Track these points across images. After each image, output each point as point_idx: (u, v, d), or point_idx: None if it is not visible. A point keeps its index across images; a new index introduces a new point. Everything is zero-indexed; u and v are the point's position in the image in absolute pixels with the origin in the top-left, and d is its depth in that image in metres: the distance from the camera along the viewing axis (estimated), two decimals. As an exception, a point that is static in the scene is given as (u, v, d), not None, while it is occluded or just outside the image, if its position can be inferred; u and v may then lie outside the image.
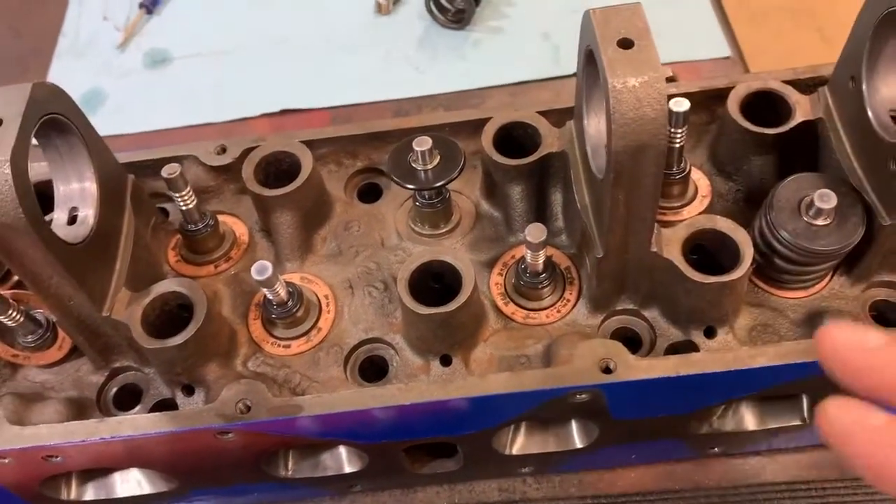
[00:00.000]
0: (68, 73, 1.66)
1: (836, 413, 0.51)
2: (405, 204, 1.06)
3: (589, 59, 0.81)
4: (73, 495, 1.03)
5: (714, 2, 1.60)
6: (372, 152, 1.11)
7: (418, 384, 0.87)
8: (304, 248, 1.03)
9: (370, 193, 1.12)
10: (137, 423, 0.86)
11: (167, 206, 1.11)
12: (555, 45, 1.57)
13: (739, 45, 1.54)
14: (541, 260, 0.89)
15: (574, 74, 1.50)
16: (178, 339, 0.86)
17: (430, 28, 1.63)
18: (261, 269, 0.87)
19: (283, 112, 1.53)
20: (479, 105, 1.49)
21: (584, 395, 0.85)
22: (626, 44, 0.73)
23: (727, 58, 1.51)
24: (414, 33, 1.63)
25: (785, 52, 1.50)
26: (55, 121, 0.83)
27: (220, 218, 1.05)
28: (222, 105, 1.56)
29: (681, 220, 0.92)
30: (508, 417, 0.91)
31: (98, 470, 1.03)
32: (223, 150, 1.08)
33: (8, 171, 0.73)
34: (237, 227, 1.07)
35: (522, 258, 0.92)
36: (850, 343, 0.52)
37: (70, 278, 0.83)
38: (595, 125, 0.87)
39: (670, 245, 0.86)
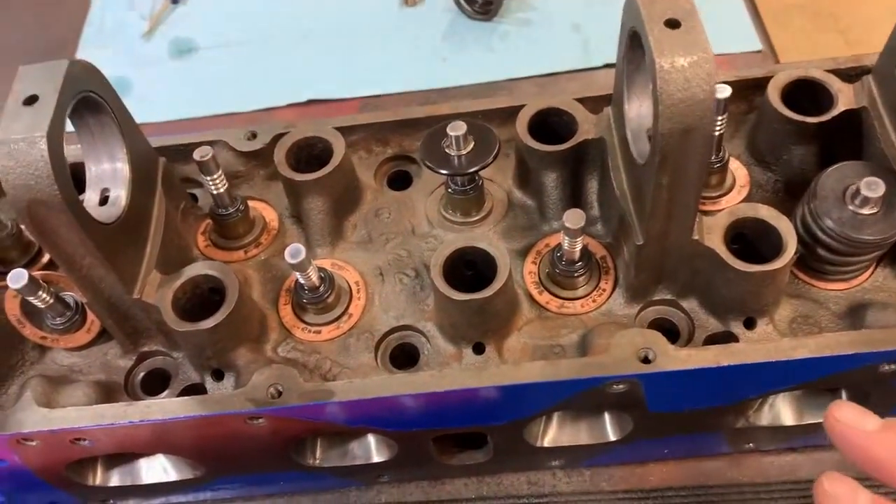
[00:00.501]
0: (93, 61, 1.64)
1: (829, 485, 0.62)
2: (436, 191, 1.05)
3: (632, 42, 0.80)
4: (98, 480, 1.02)
5: (746, -3, 1.58)
6: (403, 139, 1.10)
7: (451, 371, 0.86)
8: (334, 234, 1.02)
9: (400, 181, 1.11)
10: (167, 407, 0.85)
11: (197, 191, 1.11)
12: (584, 37, 1.55)
13: (771, 39, 1.52)
14: (578, 247, 0.87)
15: (605, 66, 1.51)
16: (209, 323, 0.85)
17: (457, 19, 1.62)
18: (294, 252, 0.86)
19: (310, 102, 1.52)
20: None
21: (621, 386, 0.83)
22: (673, 24, 0.71)
23: (759, 51, 1.49)
24: (441, 25, 1.61)
25: (810, 52, 1.48)
26: (89, 99, 0.83)
27: (250, 203, 1.04)
28: (248, 95, 1.56)
29: (719, 210, 0.91)
30: (542, 408, 0.90)
31: (124, 455, 1.02)
32: (254, 136, 1.07)
33: (44, 146, 0.73)
34: (267, 212, 1.06)
35: (558, 246, 0.91)
36: (850, 422, 0.62)
37: (102, 259, 0.82)
38: (636, 109, 0.86)
39: (712, 233, 0.85)
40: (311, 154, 1.02)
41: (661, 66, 0.69)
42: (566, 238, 0.86)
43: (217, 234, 1.03)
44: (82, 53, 1.70)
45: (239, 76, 1.59)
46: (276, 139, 1.04)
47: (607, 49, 1.52)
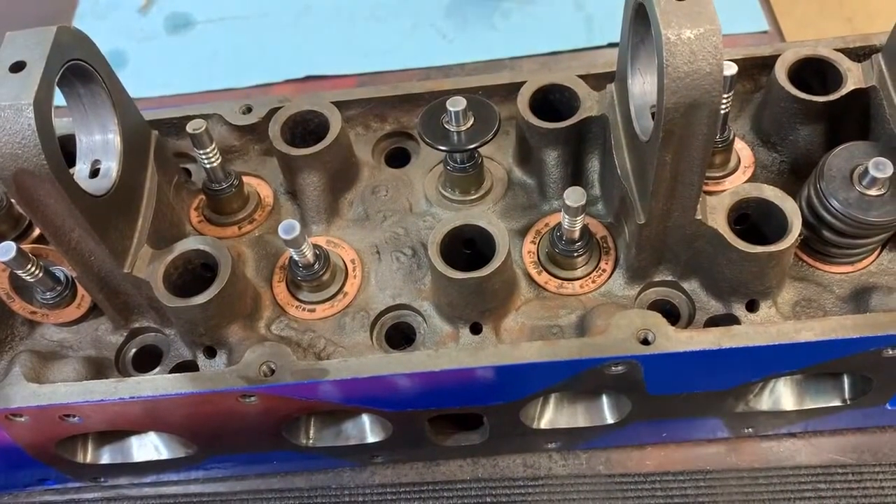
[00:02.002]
0: (89, 34, 1.62)
1: None
2: (435, 169, 1.03)
3: (637, 14, 0.78)
4: (88, 458, 1.01)
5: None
6: (402, 115, 1.08)
7: (448, 351, 0.84)
8: (330, 211, 1.00)
9: (398, 158, 1.09)
10: (158, 384, 0.84)
11: (190, 166, 1.09)
12: (588, 14, 1.53)
13: (778, 20, 1.49)
14: (578, 226, 0.85)
15: (608, 45, 1.48)
16: (201, 298, 0.83)
17: (458, -4, 1.59)
18: (288, 227, 0.84)
19: (308, 78, 1.50)
20: (508, 75, 1.46)
21: (619, 367, 0.82)
22: (680, -5, 0.69)
23: (765, 32, 1.47)
24: (442, 2, 1.59)
25: (815, 36, 1.45)
26: (79, 67, 0.80)
27: (245, 179, 1.02)
28: (244, 70, 1.54)
29: (722, 191, 0.89)
30: (539, 389, 0.88)
31: (115, 433, 1.01)
32: (248, 110, 1.05)
33: (31, 114, 0.71)
34: (262, 188, 1.04)
35: (558, 225, 0.89)
36: None
37: (92, 231, 0.80)
38: (640, 85, 0.83)
39: (715, 213, 0.83)
40: (306, 129, 1.00)
41: (668, 37, 0.67)
42: (566, 216, 0.84)
43: (210, 210, 1.01)
44: (77, 25, 1.66)
45: (236, 51, 1.57)
46: (272, 113, 1.02)
47: (610, 28, 1.50)
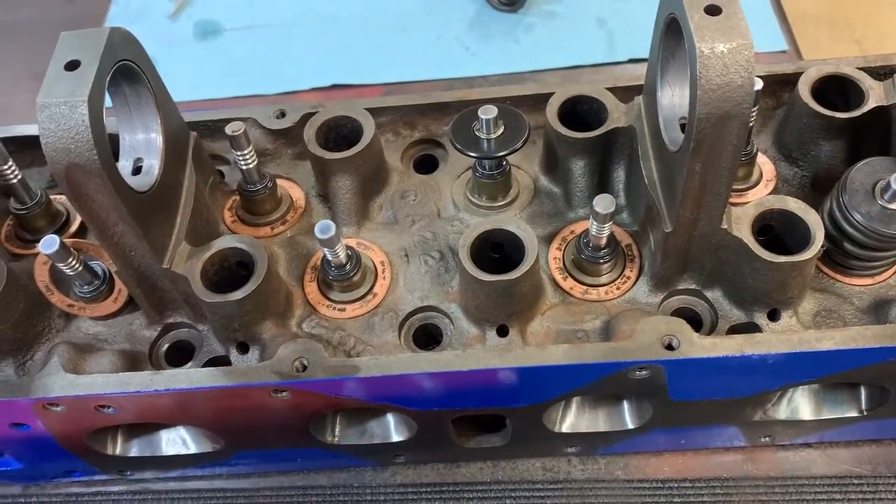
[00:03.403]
0: (120, 39, 1.66)
1: None
2: (462, 175, 1.05)
3: (669, 29, 0.80)
4: (118, 450, 1.03)
5: (773, -1, 1.59)
6: (430, 123, 1.10)
7: (476, 352, 0.86)
8: (360, 214, 1.02)
9: (426, 164, 1.12)
10: (193, 377, 0.86)
11: (224, 168, 1.11)
12: (610, 30, 1.55)
13: (797, 40, 1.52)
14: (606, 233, 0.87)
15: (629, 61, 1.51)
16: (238, 294, 0.86)
17: (482, 10, 1.62)
18: (324, 228, 0.86)
19: (334, 87, 1.53)
20: (531, 88, 1.49)
21: (644, 372, 0.84)
22: (713, 10, 0.72)
23: (784, 52, 1.50)
24: (466, 15, 1.62)
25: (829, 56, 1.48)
26: (127, 68, 0.83)
27: (278, 181, 1.04)
28: (271, 77, 1.57)
29: (745, 203, 0.91)
30: (563, 392, 0.90)
31: (143, 427, 1.03)
32: (283, 115, 1.08)
33: (85, 111, 0.73)
34: (294, 191, 1.06)
35: (584, 232, 0.91)
36: None
37: (134, 226, 0.82)
38: (669, 98, 0.86)
39: (740, 223, 0.85)
40: (339, 134, 1.03)
41: (702, 51, 0.70)
42: (594, 223, 0.86)
43: (244, 210, 1.03)
44: (107, 32, 1.70)
45: (263, 59, 1.60)
46: (306, 118, 1.05)
47: (632, 44, 1.53)
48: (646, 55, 1.53)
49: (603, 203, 0.83)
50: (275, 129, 1.07)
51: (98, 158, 0.75)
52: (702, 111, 0.71)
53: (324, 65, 1.56)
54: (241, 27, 1.66)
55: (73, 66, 0.76)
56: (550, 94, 1.01)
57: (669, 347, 0.82)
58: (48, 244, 0.87)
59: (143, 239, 0.84)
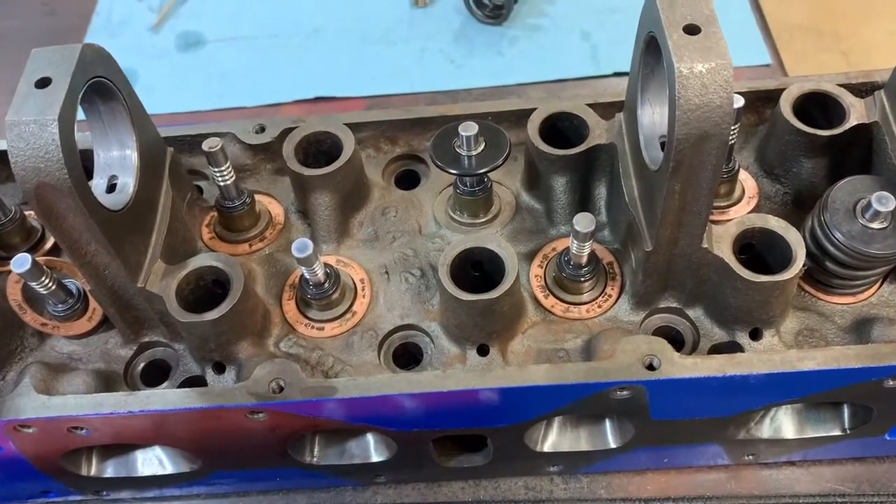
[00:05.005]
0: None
1: None
2: (444, 191, 1.04)
3: (649, 47, 0.80)
4: (93, 471, 1.01)
5: (756, 11, 1.59)
6: (412, 139, 1.10)
7: (456, 372, 0.85)
8: (340, 230, 1.01)
9: (407, 180, 1.11)
10: (167, 398, 0.85)
11: (202, 183, 1.10)
12: (594, 44, 1.55)
13: (780, 54, 1.52)
14: (586, 251, 0.87)
15: (614, 74, 1.51)
16: (213, 314, 0.84)
17: (467, 23, 1.62)
18: (301, 246, 0.85)
19: (317, 99, 1.52)
20: (515, 101, 1.48)
21: (625, 392, 0.83)
22: (692, 29, 0.71)
23: (767, 66, 1.50)
24: (451, 27, 1.62)
25: (814, 70, 1.48)
26: (101, 85, 0.82)
27: (256, 197, 1.03)
28: (254, 90, 1.56)
29: (727, 220, 0.90)
30: (544, 412, 0.89)
31: (119, 447, 1.01)
32: (262, 130, 1.07)
33: (55, 129, 0.72)
34: (273, 207, 1.05)
35: (566, 250, 0.90)
36: None
37: (107, 245, 0.81)
38: (649, 116, 0.85)
39: (721, 242, 0.84)
40: (319, 150, 1.02)
41: (680, 71, 0.69)
42: (575, 241, 0.86)
43: (222, 227, 1.02)
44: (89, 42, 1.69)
45: (246, 71, 1.59)
46: (285, 133, 1.04)
47: (616, 58, 1.53)
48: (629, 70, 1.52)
49: (583, 222, 0.83)
50: (254, 143, 1.06)
51: (69, 178, 0.74)
52: (681, 131, 0.71)
53: (307, 77, 1.55)
54: (225, 39, 1.65)
55: (43, 83, 0.75)
56: (533, 110, 1.00)
57: (650, 367, 0.82)
58: (20, 263, 0.85)
59: (116, 258, 0.83)
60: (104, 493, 1.07)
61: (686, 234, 0.82)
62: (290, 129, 1.04)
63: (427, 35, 1.60)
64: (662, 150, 0.83)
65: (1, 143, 1.06)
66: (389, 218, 1.04)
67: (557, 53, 1.55)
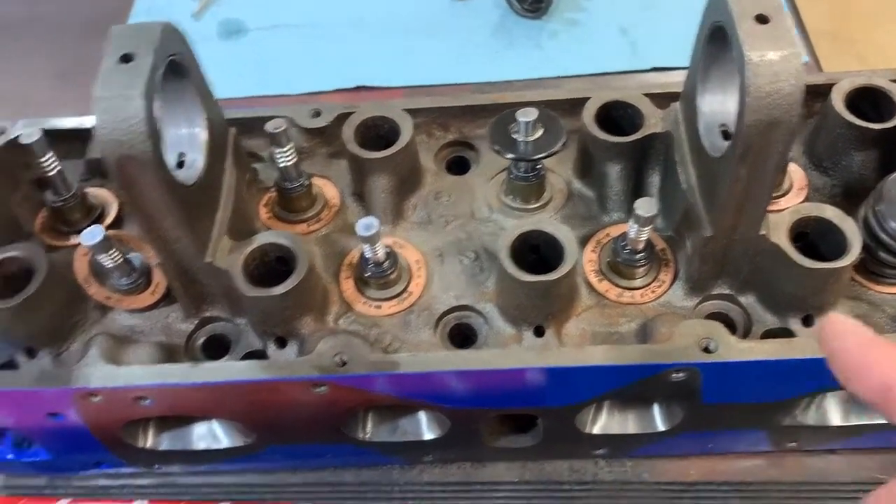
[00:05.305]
0: (144, 36, 1.67)
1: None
2: (496, 177, 1.06)
3: (713, 37, 0.82)
4: (149, 443, 1.03)
5: (793, 12, 1.60)
6: (464, 126, 1.12)
7: (516, 350, 0.87)
8: (395, 213, 1.03)
9: (458, 166, 1.13)
10: (234, 370, 0.87)
11: (257, 165, 1.12)
12: (632, 40, 1.57)
13: (816, 52, 1.53)
14: (645, 236, 0.89)
15: (652, 69, 1.53)
16: (281, 289, 0.87)
17: (506, 16, 1.64)
18: (367, 225, 0.87)
19: (358, 88, 1.54)
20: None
21: (681, 374, 0.85)
22: (762, 19, 0.73)
23: (806, 62, 1.51)
24: (491, 20, 1.63)
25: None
26: (176, 63, 0.84)
27: (312, 180, 1.05)
28: (295, 78, 1.57)
29: (778, 211, 0.92)
30: (599, 393, 0.91)
31: (176, 421, 1.03)
32: (317, 114, 1.09)
33: (141, 104, 0.74)
34: (328, 189, 1.07)
35: (622, 235, 0.92)
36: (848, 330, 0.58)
37: (181, 219, 0.83)
38: (709, 105, 0.87)
39: (777, 230, 0.86)
40: (377, 134, 1.04)
41: (751, 59, 0.71)
42: (635, 226, 0.87)
43: (280, 208, 1.04)
44: (131, 29, 1.71)
45: (288, 59, 1.61)
46: (340, 118, 1.06)
47: (655, 53, 1.54)
48: (668, 64, 1.55)
49: (645, 206, 0.85)
50: (310, 127, 1.08)
51: (151, 151, 0.76)
52: (750, 118, 0.72)
53: (348, 66, 1.57)
54: (266, 27, 1.67)
55: (126, 59, 0.77)
56: (584, 99, 1.02)
57: (707, 350, 0.83)
58: (91, 235, 0.88)
59: (187, 232, 0.85)
60: (156, 466, 1.09)
61: (746, 220, 0.84)
62: (344, 114, 1.06)
63: (467, 28, 1.62)
64: (723, 138, 0.85)
65: (65, 120, 1.09)
66: (442, 202, 1.06)
67: (596, 48, 1.57)
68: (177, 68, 0.86)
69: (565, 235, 0.88)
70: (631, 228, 0.88)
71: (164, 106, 0.90)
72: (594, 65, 1.54)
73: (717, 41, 0.82)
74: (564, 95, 1.06)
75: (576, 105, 1.03)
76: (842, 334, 0.57)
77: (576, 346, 0.92)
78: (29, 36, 1.74)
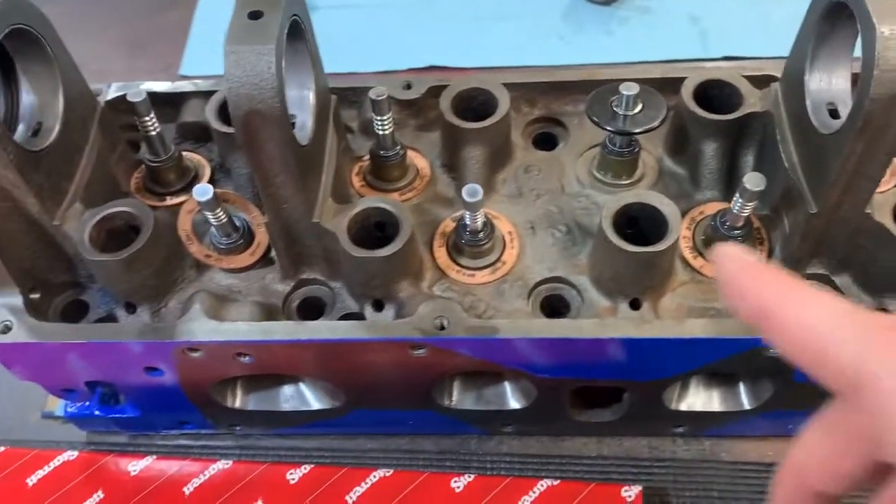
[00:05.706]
0: (216, 9, 1.69)
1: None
2: (586, 153, 1.07)
3: (829, 12, 0.82)
4: (237, 403, 1.05)
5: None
6: (552, 102, 1.13)
7: (614, 321, 0.88)
8: (487, 185, 1.04)
9: (544, 141, 1.14)
10: (338, 329, 0.88)
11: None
12: (703, 29, 1.57)
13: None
14: (748, 211, 0.89)
15: (723, 58, 1.53)
16: (387, 251, 0.88)
17: (576, 2, 1.65)
18: (472, 191, 0.88)
19: (430, 68, 1.55)
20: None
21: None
22: (890, -5, 0.74)
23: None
24: (560, 5, 1.65)
25: None
26: (296, 23, 0.86)
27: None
28: (365, 56, 1.59)
29: (881, 192, 0.92)
30: (692, 367, 0.92)
31: (265, 381, 1.05)
32: (409, 87, 1.10)
33: (272, 59, 0.76)
34: (418, 160, 1.08)
35: (722, 211, 0.93)
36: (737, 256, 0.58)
37: (296, 177, 0.85)
38: (817, 82, 0.88)
39: (882, 209, 0.87)
40: (470, 106, 1.05)
41: (882, 32, 0.72)
42: (740, 200, 0.88)
43: (373, 176, 1.05)
44: (200, 6, 1.73)
45: (358, 37, 1.63)
46: (432, 91, 1.07)
47: (725, 42, 1.55)
48: (738, 54, 1.54)
49: (754, 180, 0.85)
50: (403, 99, 1.09)
51: (279, 106, 0.77)
52: (876, 91, 0.73)
53: (419, 46, 1.58)
54: (337, 5, 1.68)
55: (255, 15, 0.78)
56: (676, 80, 1.03)
57: (808, 326, 0.84)
58: (202, 192, 0.89)
59: (300, 191, 0.86)
60: (238, 427, 1.11)
61: (853, 198, 0.84)
62: (435, 87, 1.08)
63: (538, 12, 1.63)
64: (831, 116, 0.86)
65: (158, 84, 1.10)
66: (532, 176, 1.07)
67: (666, 35, 1.57)
68: (296, 29, 0.87)
69: (669, 208, 0.89)
70: (736, 203, 0.89)
71: (284, 66, 0.91)
72: (664, 52, 1.54)
73: (832, 18, 0.82)
74: (657, 73, 1.07)
75: (666, 85, 1.04)
76: (727, 261, 0.58)
77: (673, 319, 0.92)
78: (102, 7, 1.77)
